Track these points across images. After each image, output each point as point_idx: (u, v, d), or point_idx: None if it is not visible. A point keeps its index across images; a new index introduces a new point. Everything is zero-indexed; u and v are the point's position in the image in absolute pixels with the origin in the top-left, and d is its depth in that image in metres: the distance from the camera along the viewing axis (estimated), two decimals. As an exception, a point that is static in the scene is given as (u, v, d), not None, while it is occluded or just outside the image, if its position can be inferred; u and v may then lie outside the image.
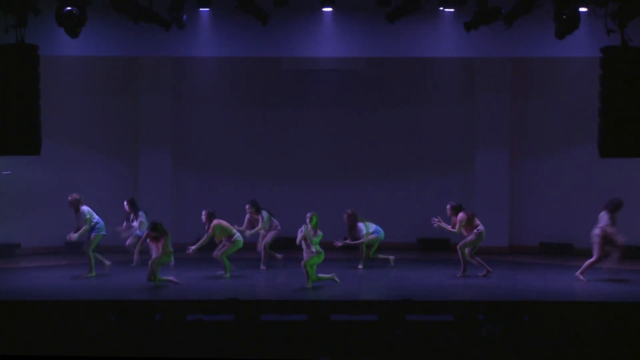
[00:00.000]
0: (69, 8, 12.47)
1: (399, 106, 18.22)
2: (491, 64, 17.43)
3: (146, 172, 17.62)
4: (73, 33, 12.67)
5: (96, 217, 14.30)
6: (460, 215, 14.25)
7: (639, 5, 12.68)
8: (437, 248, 17.81)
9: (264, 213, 15.20)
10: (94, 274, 14.20)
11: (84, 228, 14.12)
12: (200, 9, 14.48)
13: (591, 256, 14.18)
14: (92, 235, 14.22)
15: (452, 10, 14.33)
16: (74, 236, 14.15)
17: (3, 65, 12.38)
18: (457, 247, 14.36)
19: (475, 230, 14.17)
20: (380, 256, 15.36)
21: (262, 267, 15.05)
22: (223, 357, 10.77)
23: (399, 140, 18.20)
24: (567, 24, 13.03)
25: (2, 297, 12.30)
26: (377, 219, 17.57)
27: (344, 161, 18.23)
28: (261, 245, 15.22)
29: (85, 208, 14.20)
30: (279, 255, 15.49)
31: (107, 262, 14.52)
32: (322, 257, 13.11)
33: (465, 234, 14.27)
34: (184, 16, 13.79)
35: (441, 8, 14.22)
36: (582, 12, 13.26)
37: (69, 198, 14.25)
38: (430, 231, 17.89)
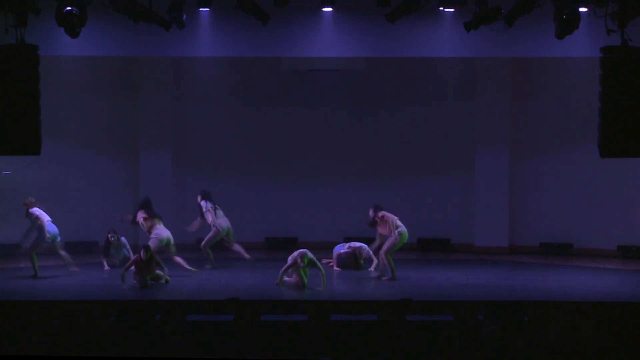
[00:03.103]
0: (69, 8, 12.45)
1: (399, 106, 18.21)
2: (491, 64, 17.42)
3: (146, 172, 17.61)
4: (73, 33, 12.65)
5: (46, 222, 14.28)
6: (387, 215, 13.99)
7: (639, 5, 12.68)
8: (437, 248, 17.82)
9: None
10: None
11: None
12: (200, 9, 14.47)
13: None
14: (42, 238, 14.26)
15: (452, 10, 14.30)
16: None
17: (3, 65, 12.38)
18: (382, 253, 13.97)
19: (396, 231, 13.91)
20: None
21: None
22: (223, 357, 10.78)
23: (399, 140, 18.19)
24: (567, 24, 13.02)
25: (2, 297, 12.30)
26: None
27: (344, 161, 18.21)
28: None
29: (36, 212, 14.25)
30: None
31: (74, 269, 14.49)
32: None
33: (386, 234, 14.02)
34: (184, 16, 13.78)
35: (441, 8, 14.20)
36: (582, 12, 13.25)
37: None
38: (431, 231, 17.94)
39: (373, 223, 14.14)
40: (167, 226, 14.65)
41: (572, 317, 11.59)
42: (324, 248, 15.94)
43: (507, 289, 13.26)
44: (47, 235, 14.17)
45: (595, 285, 13.95)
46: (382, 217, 14.02)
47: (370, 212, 14.15)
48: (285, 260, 13.46)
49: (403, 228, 13.92)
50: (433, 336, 10.83)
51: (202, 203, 15.27)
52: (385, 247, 14.01)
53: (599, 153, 12.82)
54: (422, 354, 10.70)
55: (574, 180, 17.43)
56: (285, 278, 13.34)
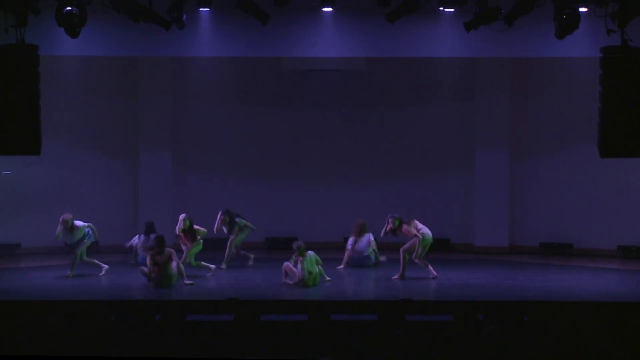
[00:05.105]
0: (69, 8, 12.45)
1: (399, 106, 18.21)
2: (491, 64, 17.42)
3: (146, 171, 17.61)
4: (73, 33, 12.65)
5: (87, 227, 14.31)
6: (405, 227, 14.14)
7: (639, 5, 12.68)
8: (437, 248, 17.78)
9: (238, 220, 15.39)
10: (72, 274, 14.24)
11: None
12: (200, 9, 14.47)
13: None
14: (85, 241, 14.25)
15: (452, 10, 14.31)
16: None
17: (3, 65, 12.38)
18: (402, 250, 14.27)
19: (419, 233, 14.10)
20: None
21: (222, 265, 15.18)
22: (223, 357, 10.78)
23: (399, 140, 18.19)
24: (567, 24, 13.02)
25: (2, 297, 12.30)
26: (377, 219, 17.60)
27: (344, 161, 18.22)
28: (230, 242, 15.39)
29: (78, 223, 14.19)
30: (251, 256, 15.60)
31: (104, 266, 14.47)
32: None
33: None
34: (184, 16, 13.78)
35: (441, 8, 14.20)
36: (582, 12, 13.25)
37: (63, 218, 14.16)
38: (431, 231, 17.93)
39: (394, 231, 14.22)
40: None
41: (572, 317, 11.59)
42: (324, 248, 15.93)
43: (507, 289, 13.26)
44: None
45: (595, 285, 13.95)
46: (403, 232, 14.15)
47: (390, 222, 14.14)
48: (285, 260, 13.50)
49: (425, 230, 14.14)
50: (433, 336, 10.84)
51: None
52: (406, 245, 14.15)
53: (599, 153, 12.81)
54: (422, 354, 10.70)
55: (574, 180, 17.43)
56: (289, 281, 13.32)
